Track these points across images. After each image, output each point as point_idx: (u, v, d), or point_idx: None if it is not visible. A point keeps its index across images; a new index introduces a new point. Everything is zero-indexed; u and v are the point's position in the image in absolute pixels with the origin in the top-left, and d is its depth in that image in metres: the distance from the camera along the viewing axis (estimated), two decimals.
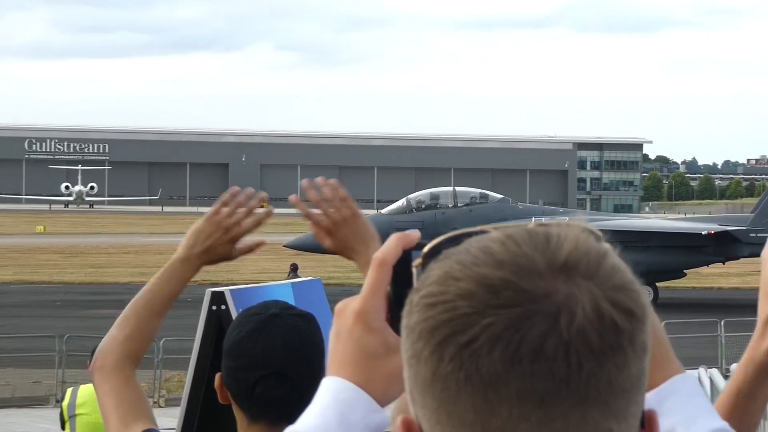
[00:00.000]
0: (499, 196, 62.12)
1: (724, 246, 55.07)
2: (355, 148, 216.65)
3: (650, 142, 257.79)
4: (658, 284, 53.82)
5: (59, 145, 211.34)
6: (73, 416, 12.69)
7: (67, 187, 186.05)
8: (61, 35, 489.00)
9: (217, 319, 7.62)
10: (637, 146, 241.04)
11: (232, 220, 4.25)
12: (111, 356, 3.99)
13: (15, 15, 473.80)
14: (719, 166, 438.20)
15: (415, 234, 1.77)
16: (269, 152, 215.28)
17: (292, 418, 3.67)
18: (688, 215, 78.41)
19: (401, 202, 59.20)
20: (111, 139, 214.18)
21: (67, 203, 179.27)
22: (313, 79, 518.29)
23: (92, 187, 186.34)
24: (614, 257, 1.59)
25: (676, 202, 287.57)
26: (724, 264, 56.68)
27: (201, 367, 7.43)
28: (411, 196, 60.33)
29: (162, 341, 30.13)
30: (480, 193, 61.30)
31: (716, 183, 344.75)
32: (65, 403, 12.92)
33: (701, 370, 18.56)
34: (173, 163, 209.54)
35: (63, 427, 12.88)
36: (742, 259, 55.74)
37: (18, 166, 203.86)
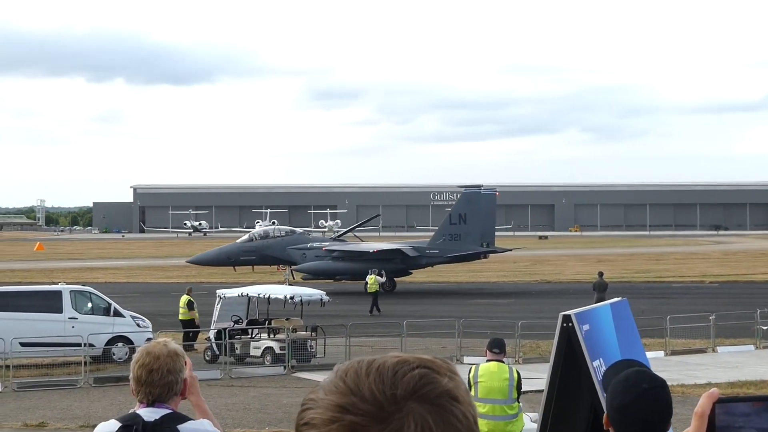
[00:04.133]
0: (300, 230, 60.65)
1: (407, 259, 54.36)
2: (637, 192, 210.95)
3: None
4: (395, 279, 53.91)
5: (451, 195, 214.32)
6: (476, 383, 12.74)
7: None
8: (448, 127, 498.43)
9: (566, 332, 7.48)
10: None
11: None
12: None
13: (422, 118, 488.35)
14: None
15: (715, 392, 1.79)
16: (581, 196, 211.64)
17: None
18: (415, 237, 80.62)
19: (246, 236, 57.01)
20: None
21: None
22: (605, 149, 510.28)
23: None
24: None
25: None
26: (415, 269, 55.73)
27: (556, 366, 7.35)
28: (252, 231, 58.49)
29: (461, 320, 29.38)
30: (290, 228, 58.87)
31: None
32: (471, 374, 12.90)
33: None
34: (515, 204, 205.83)
35: (470, 389, 12.89)
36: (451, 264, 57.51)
37: (427, 209, 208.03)
